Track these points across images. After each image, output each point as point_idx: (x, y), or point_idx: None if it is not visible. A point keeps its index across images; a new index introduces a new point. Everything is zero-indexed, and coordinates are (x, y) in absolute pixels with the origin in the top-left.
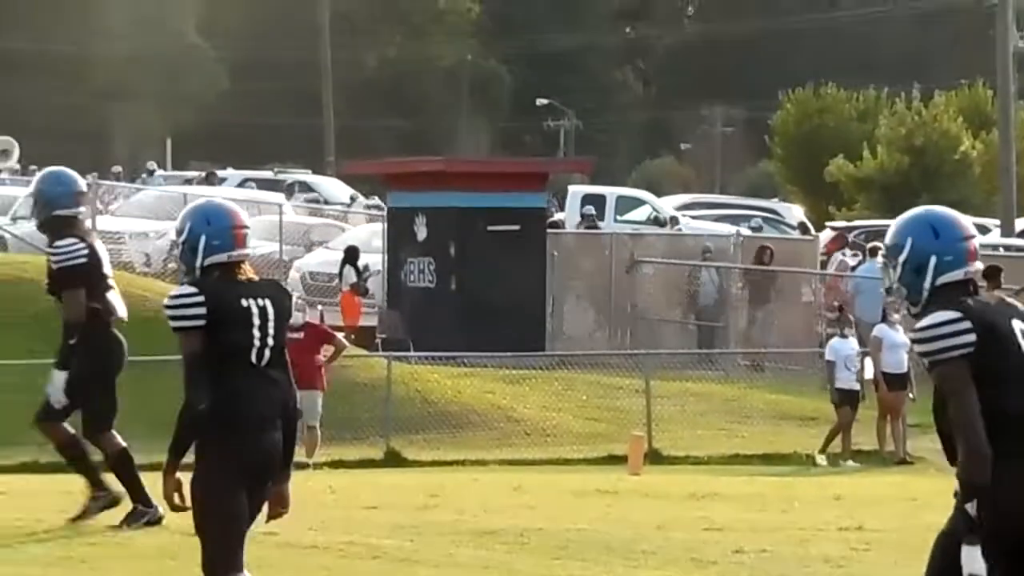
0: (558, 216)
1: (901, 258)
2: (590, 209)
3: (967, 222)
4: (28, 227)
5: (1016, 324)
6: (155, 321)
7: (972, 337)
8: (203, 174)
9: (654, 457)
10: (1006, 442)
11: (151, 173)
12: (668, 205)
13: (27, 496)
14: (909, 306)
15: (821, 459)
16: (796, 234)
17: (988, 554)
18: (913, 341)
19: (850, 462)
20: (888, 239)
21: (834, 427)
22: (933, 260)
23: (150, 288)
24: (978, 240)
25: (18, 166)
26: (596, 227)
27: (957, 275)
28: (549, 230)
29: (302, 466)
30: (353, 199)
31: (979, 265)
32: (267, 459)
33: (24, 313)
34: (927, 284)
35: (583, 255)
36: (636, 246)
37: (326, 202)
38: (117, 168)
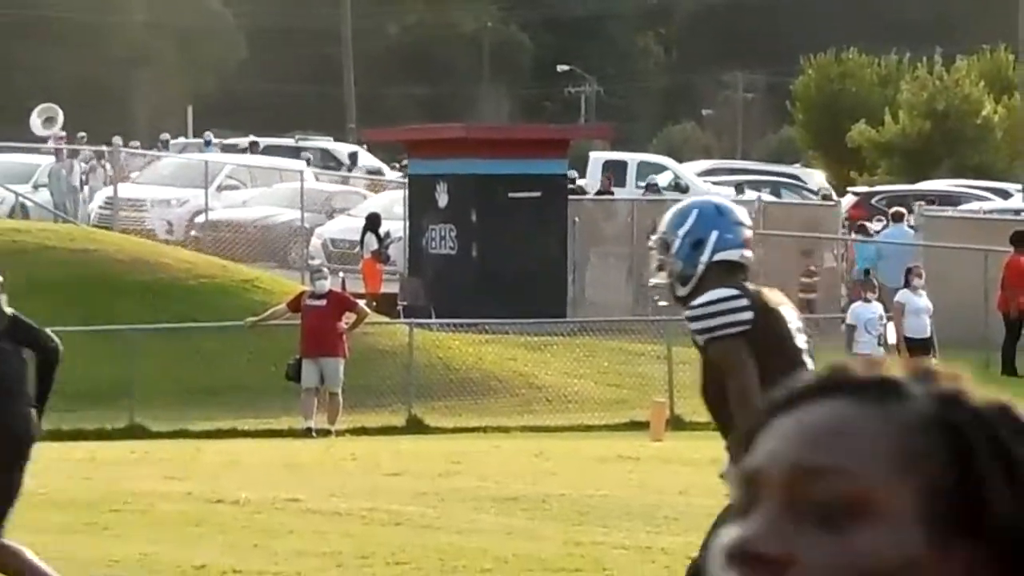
0: (579, 182)
1: (682, 231)
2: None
3: (745, 214)
4: (48, 195)
5: (785, 310)
6: (175, 289)
7: (749, 315)
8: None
9: (676, 423)
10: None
11: (208, 143)
12: (690, 171)
13: (50, 464)
14: (676, 286)
15: None
16: (817, 199)
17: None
18: (689, 319)
19: None
20: (668, 215)
21: None
22: (714, 235)
23: (172, 255)
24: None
25: (63, 133)
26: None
27: (733, 255)
28: (571, 196)
29: (324, 433)
30: (352, 158)
31: (750, 255)
32: None
33: (48, 280)
34: (704, 258)
35: (604, 221)
36: (658, 212)
37: (348, 169)
38: (165, 135)
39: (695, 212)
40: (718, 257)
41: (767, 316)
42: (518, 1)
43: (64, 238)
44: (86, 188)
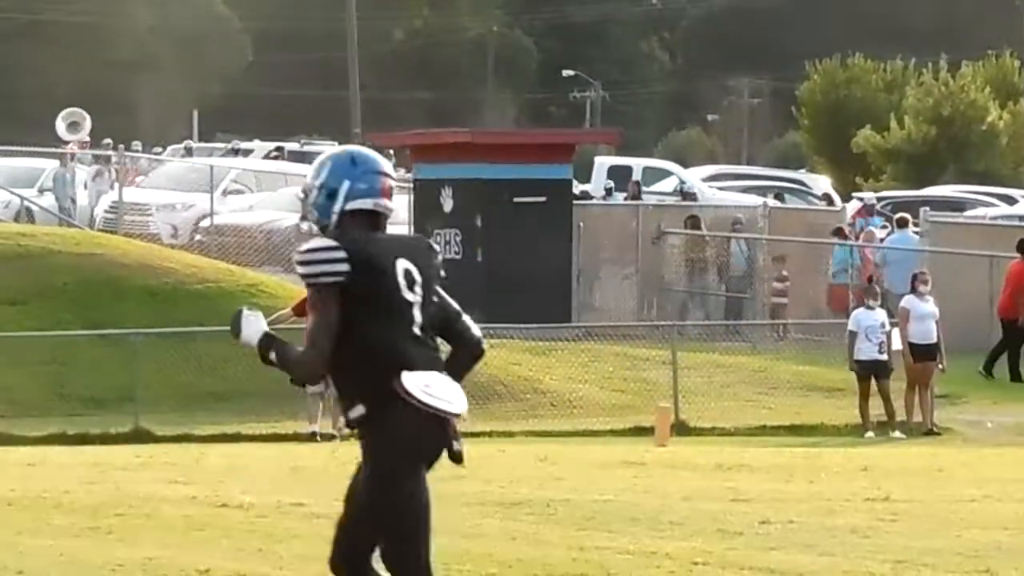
0: (583, 187)
1: (318, 182)
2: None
3: (387, 163)
4: (53, 199)
5: (401, 264)
6: (180, 293)
7: (345, 267)
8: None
9: (681, 429)
10: (379, 370)
11: (236, 151)
12: (695, 176)
13: (54, 468)
14: (320, 234)
15: (870, 435)
16: (822, 205)
17: (405, 473)
18: (296, 262)
19: (894, 434)
20: (312, 165)
21: (859, 400)
22: (346, 185)
23: (177, 259)
24: (391, 185)
25: (88, 139)
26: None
27: (367, 203)
28: (576, 201)
29: (329, 437)
30: None
31: (389, 204)
32: None
33: (52, 285)
34: (337, 208)
35: (610, 227)
36: (663, 217)
37: None
38: (190, 141)
39: (329, 163)
40: (350, 206)
41: (367, 269)
42: (524, 6)
43: (69, 242)
44: (92, 192)
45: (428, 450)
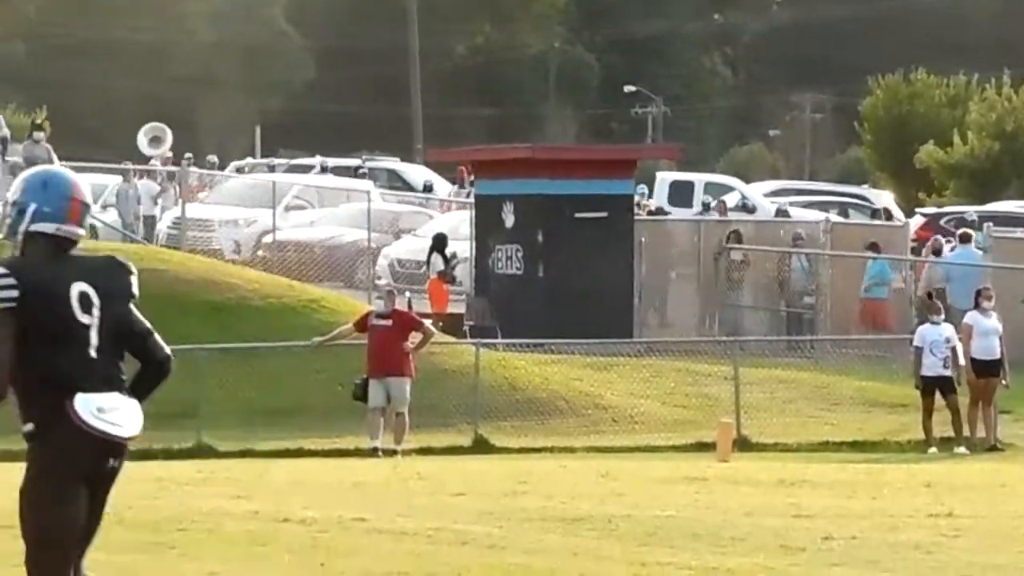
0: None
1: (12, 199)
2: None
3: (82, 188)
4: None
5: (77, 287)
6: (242, 308)
7: (15, 293)
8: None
9: (742, 444)
10: (48, 392)
11: (324, 169)
12: (757, 191)
13: (117, 483)
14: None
15: (933, 451)
16: (881, 220)
17: (57, 489)
18: None
19: (958, 449)
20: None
21: (924, 416)
22: (33, 206)
23: (239, 275)
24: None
25: (170, 154)
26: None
27: (49, 227)
28: (637, 217)
29: (390, 452)
30: (428, 187)
31: (75, 230)
32: None
33: None
34: (22, 228)
35: (671, 242)
36: (724, 232)
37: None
38: (212, 158)
39: (24, 182)
40: (34, 228)
41: (37, 294)
42: (585, 22)
43: (132, 258)
44: (157, 208)
45: (88, 469)
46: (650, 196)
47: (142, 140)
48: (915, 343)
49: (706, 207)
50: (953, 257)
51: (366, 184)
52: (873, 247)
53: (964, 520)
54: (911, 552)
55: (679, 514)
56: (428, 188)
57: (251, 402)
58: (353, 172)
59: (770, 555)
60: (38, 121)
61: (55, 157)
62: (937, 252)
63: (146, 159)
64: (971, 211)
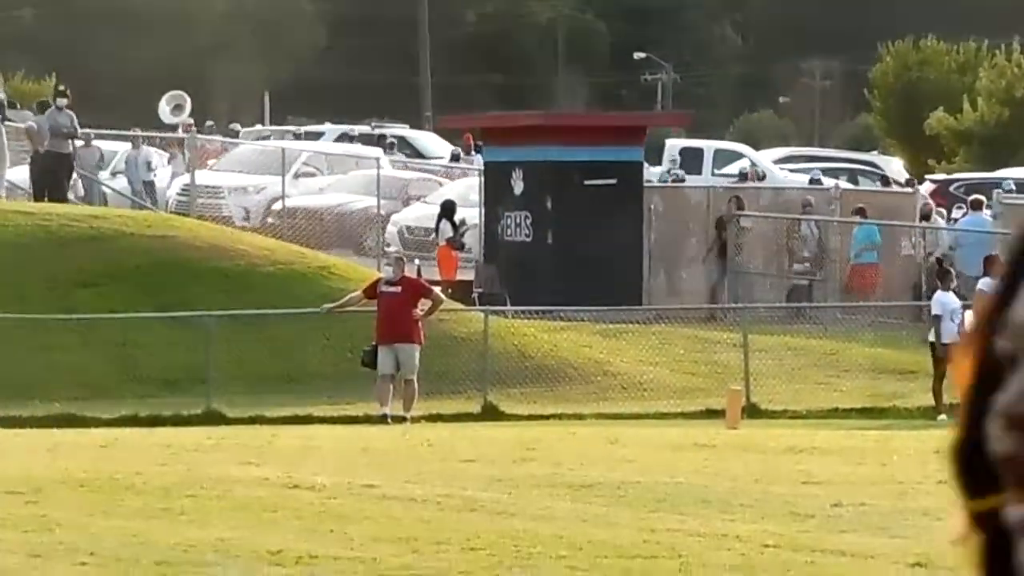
0: (654, 170)
1: None
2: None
3: None
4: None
5: None
6: (252, 275)
7: None
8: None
9: (752, 411)
10: None
11: (352, 139)
12: (766, 158)
13: (127, 450)
14: None
15: (943, 417)
16: (879, 186)
17: None
18: None
19: (943, 416)
20: None
21: (935, 382)
22: None
23: (248, 242)
24: None
25: (191, 120)
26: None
27: None
28: (646, 183)
29: (400, 419)
30: (456, 156)
31: None
32: None
33: (125, 267)
34: None
35: (681, 209)
36: (727, 199)
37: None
38: (236, 126)
39: None
40: None
41: None
42: None
43: (141, 225)
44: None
45: None
46: (659, 163)
47: (164, 108)
48: (934, 311)
49: (743, 176)
50: (964, 223)
51: (376, 151)
52: (860, 212)
53: None
54: (921, 519)
55: (688, 481)
56: (455, 158)
57: (260, 369)
58: (376, 141)
59: (779, 522)
60: (61, 87)
61: (77, 124)
62: (926, 217)
63: (164, 126)
64: (1010, 180)
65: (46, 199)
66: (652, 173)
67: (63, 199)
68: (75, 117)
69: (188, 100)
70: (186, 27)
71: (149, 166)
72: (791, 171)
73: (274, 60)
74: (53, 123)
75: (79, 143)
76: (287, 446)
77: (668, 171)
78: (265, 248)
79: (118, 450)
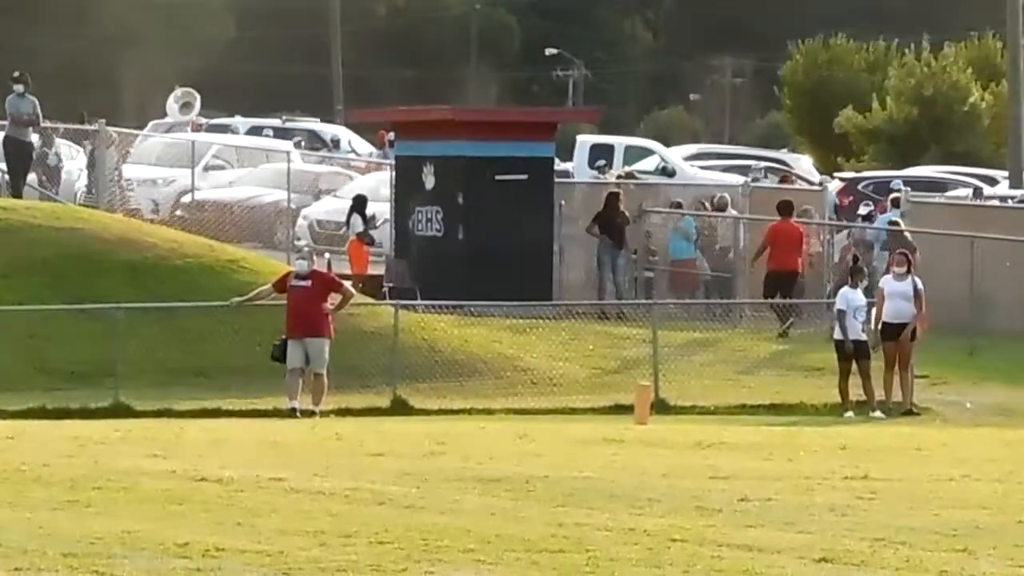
0: (564, 166)
1: None
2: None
3: None
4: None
5: None
6: (161, 268)
7: None
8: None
9: (660, 407)
10: None
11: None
12: (677, 155)
13: (34, 441)
14: None
15: (849, 414)
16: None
17: None
18: None
19: (874, 413)
20: None
21: (840, 379)
22: None
23: (158, 235)
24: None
25: (202, 120)
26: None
27: None
28: (557, 179)
29: (308, 413)
30: (335, 141)
31: None
32: None
33: (33, 258)
34: None
35: (591, 205)
36: (645, 196)
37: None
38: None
39: None
40: None
41: None
42: None
43: (50, 217)
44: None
45: None
46: (570, 159)
47: (172, 106)
48: (838, 306)
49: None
50: (879, 222)
51: (286, 144)
52: (678, 205)
53: (879, 483)
54: (826, 514)
55: (596, 475)
56: (335, 143)
57: (169, 362)
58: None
59: (686, 516)
60: (16, 74)
61: (40, 111)
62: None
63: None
64: (898, 180)
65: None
66: (586, 170)
67: (19, 192)
68: (38, 103)
69: (197, 97)
70: (94, 18)
71: (59, 158)
72: (701, 168)
73: (183, 52)
74: (14, 109)
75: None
76: (195, 439)
77: (598, 167)
78: (174, 241)
79: (25, 442)
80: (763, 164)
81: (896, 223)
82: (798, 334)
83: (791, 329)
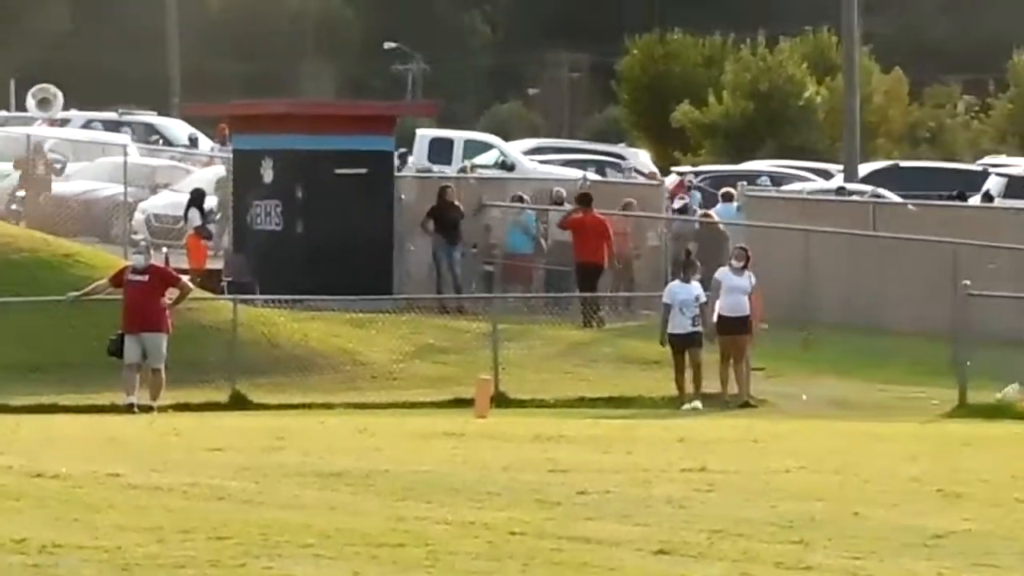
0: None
1: None
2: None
3: None
4: None
5: None
6: None
7: None
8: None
9: (500, 400)
10: None
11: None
12: (516, 150)
13: None
14: None
15: (688, 406)
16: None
17: None
18: None
19: (692, 404)
20: None
21: (676, 372)
22: None
23: None
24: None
25: (59, 116)
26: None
27: None
28: (397, 173)
29: (146, 409)
30: (193, 140)
31: None
32: None
33: None
34: None
35: (430, 199)
36: (484, 190)
37: (169, 143)
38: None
39: None
40: None
41: None
42: None
43: None
44: None
45: None
46: (410, 153)
47: (30, 102)
48: (664, 300)
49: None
50: (716, 214)
51: (123, 138)
52: (520, 199)
53: (716, 475)
54: (664, 506)
55: (436, 469)
56: (193, 142)
57: (4, 357)
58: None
59: (526, 509)
60: None
61: None
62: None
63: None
64: (689, 174)
65: None
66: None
67: None
68: None
69: (59, 96)
70: None
71: None
72: (540, 162)
73: (17, 44)
74: None
75: None
76: (31, 435)
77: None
78: (8, 235)
79: None
80: (592, 172)
81: (708, 215)
82: (635, 327)
83: (599, 324)
